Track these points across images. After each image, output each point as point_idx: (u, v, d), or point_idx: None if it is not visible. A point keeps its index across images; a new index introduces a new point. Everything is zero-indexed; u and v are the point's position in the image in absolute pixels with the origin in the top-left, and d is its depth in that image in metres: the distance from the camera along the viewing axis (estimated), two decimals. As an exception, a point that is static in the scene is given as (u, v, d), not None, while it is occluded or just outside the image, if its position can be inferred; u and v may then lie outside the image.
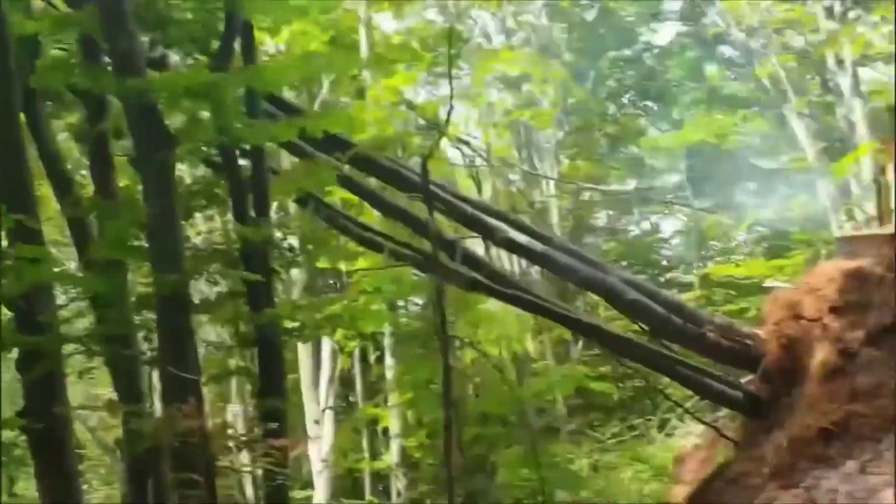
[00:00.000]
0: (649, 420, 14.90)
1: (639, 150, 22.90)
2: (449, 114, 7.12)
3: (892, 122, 14.55)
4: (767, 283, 10.53)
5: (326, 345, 12.79)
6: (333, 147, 7.23)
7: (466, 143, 12.87)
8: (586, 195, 22.36)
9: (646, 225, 25.33)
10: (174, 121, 5.82)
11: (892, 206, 10.54)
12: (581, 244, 22.52)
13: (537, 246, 8.67)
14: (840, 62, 15.61)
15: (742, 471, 7.56)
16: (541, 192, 19.36)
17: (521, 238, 8.70)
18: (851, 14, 16.34)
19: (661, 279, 23.17)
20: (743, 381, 8.81)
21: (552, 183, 19.51)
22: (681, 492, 8.82)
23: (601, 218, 24.28)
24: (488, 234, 8.57)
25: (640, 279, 9.85)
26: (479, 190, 14.74)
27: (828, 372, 7.66)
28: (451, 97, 7.16)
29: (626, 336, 8.88)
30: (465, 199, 8.68)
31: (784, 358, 8.13)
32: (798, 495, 6.59)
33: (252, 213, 6.64)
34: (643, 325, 9.13)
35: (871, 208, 11.23)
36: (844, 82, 15.59)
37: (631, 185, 24.76)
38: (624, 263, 22.59)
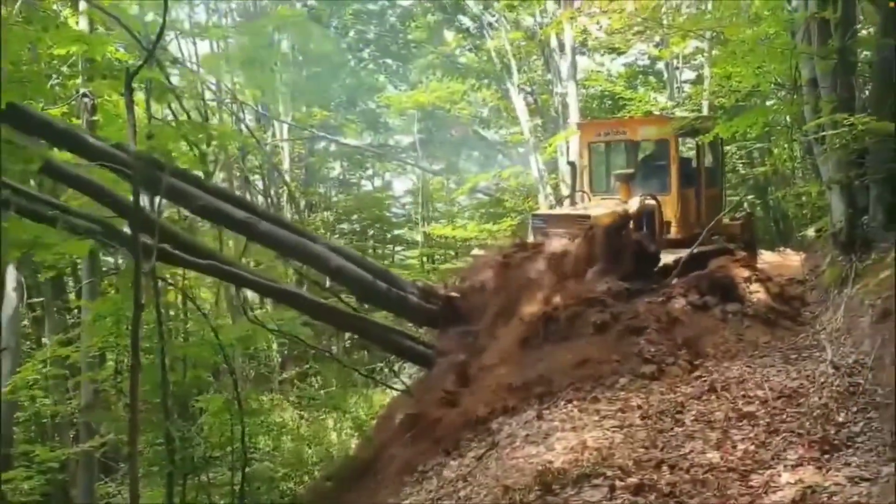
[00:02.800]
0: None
1: (376, 106, 23.03)
2: (159, 35, 6.48)
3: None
4: (474, 252, 11.23)
5: (11, 277, 11.25)
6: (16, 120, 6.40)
7: (188, 69, 11.89)
8: (321, 144, 22.12)
9: (378, 181, 25.79)
10: None
11: (584, 187, 11.47)
12: (313, 194, 22.38)
13: (238, 213, 8.38)
14: (561, 46, 16.55)
15: (435, 418, 7.93)
16: (273, 134, 18.78)
17: (222, 206, 8.35)
18: (577, 2, 17.37)
19: (389, 235, 23.76)
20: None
21: (286, 126, 19.00)
22: (377, 438, 9.09)
23: (335, 169, 24.21)
24: (189, 203, 8.13)
25: (351, 249, 10.06)
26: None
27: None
28: (165, 14, 6.53)
29: (325, 303, 9.02)
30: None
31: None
32: (483, 439, 7.01)
33: None
34: (350, 290, 9.40)
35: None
36: (563, 65, 16.55)
37: (366, 140, 24.94)
38: (354, 217, 22.85)
